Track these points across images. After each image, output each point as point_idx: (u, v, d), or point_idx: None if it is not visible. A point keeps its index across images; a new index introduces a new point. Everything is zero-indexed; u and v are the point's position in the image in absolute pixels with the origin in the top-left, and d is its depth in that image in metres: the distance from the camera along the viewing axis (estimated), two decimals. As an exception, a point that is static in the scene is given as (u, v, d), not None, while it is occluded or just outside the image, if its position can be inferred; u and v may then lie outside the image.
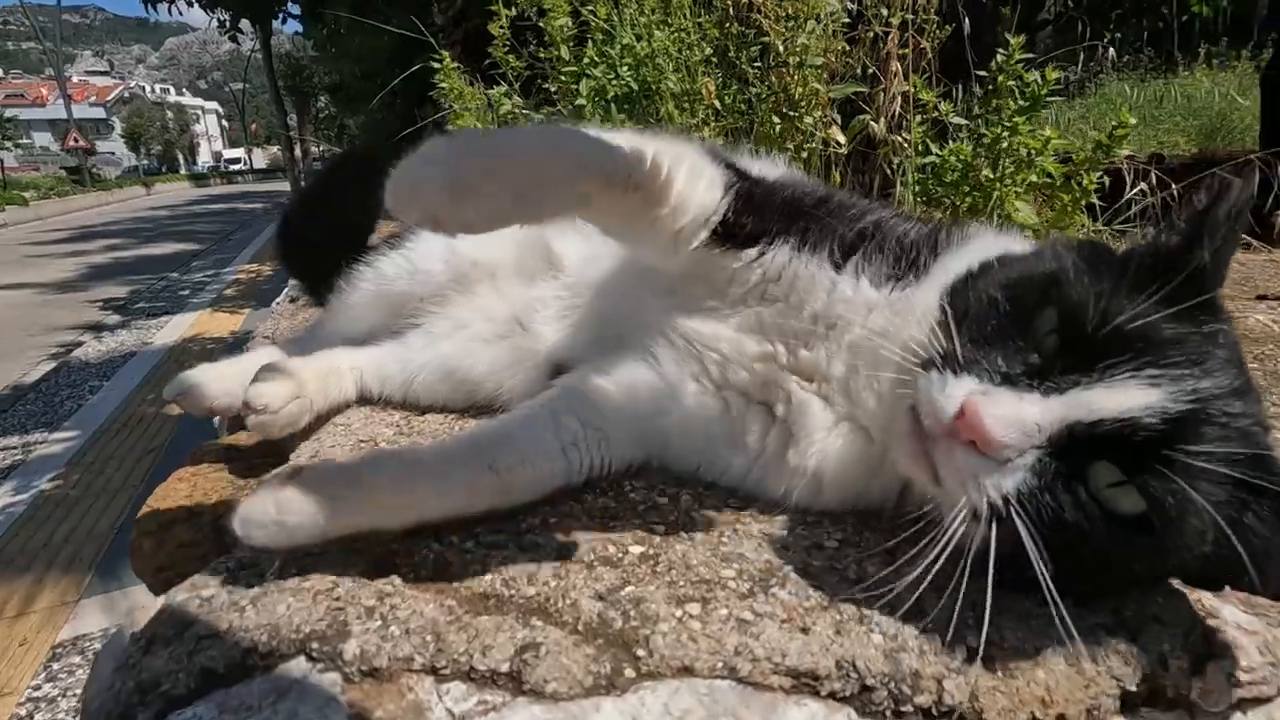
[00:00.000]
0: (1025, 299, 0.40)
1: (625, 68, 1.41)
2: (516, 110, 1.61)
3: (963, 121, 1.19)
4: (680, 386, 0.50)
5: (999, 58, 1.17)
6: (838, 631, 0.36)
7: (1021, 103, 0.97)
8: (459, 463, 0.45)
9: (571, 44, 1.52)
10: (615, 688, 0.33)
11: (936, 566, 0.36)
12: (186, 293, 9.86)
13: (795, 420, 0.46)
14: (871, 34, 1.25)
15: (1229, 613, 0.38)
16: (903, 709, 0.34)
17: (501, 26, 1.59)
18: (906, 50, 1.22)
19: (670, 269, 0.51)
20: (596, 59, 1.44)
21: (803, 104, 1.23)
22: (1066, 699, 0.35)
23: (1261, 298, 1.15)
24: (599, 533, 0.45)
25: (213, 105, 56.31)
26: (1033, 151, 0.98)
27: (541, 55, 1.53)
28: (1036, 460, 0.36)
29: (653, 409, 0.51)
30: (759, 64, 1.35)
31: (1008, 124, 0.97)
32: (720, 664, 0.34)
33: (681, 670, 0.33)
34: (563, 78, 1.51)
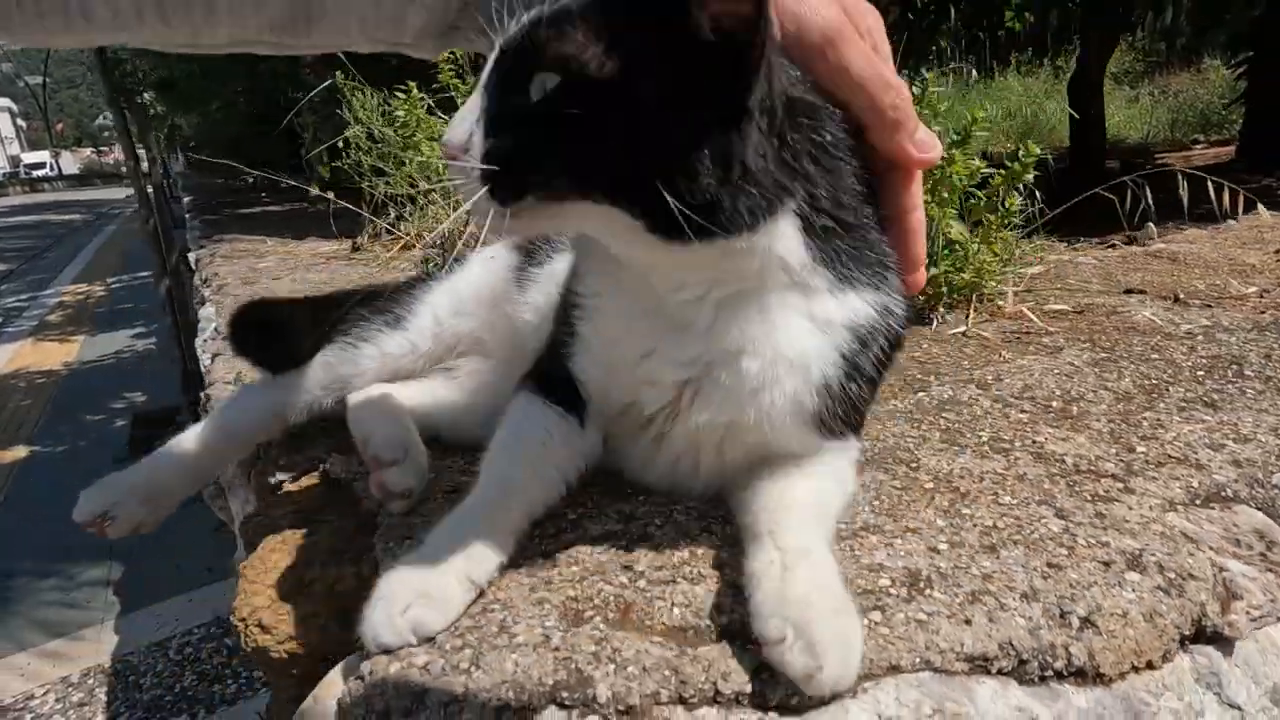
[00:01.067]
0: None
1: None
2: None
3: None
4: None
5: (914, 89, 1.34)
6: (990, 620, 0.44)
7: (954, 136, 1.12)
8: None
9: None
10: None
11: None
12: (-2, 320, 8.59)
13: None
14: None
15: (1235, 566, 0.51)
16: (1046, 673, 0.43)
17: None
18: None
19: None
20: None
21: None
22: (1150, 648, 0.45)
23: (1129, 291, 1.39)
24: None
25: (4, 102, 48.86)
26: (962, 179, 1.13)
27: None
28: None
29: None
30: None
31: (945, 156, 1.12)
32: (918, 659, 0.41)
33: (891, 669, 0.40)
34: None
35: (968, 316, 1.21)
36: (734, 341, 0.50)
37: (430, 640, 0.44)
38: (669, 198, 0.42)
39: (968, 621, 0.43)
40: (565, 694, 0.39)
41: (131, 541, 4.44)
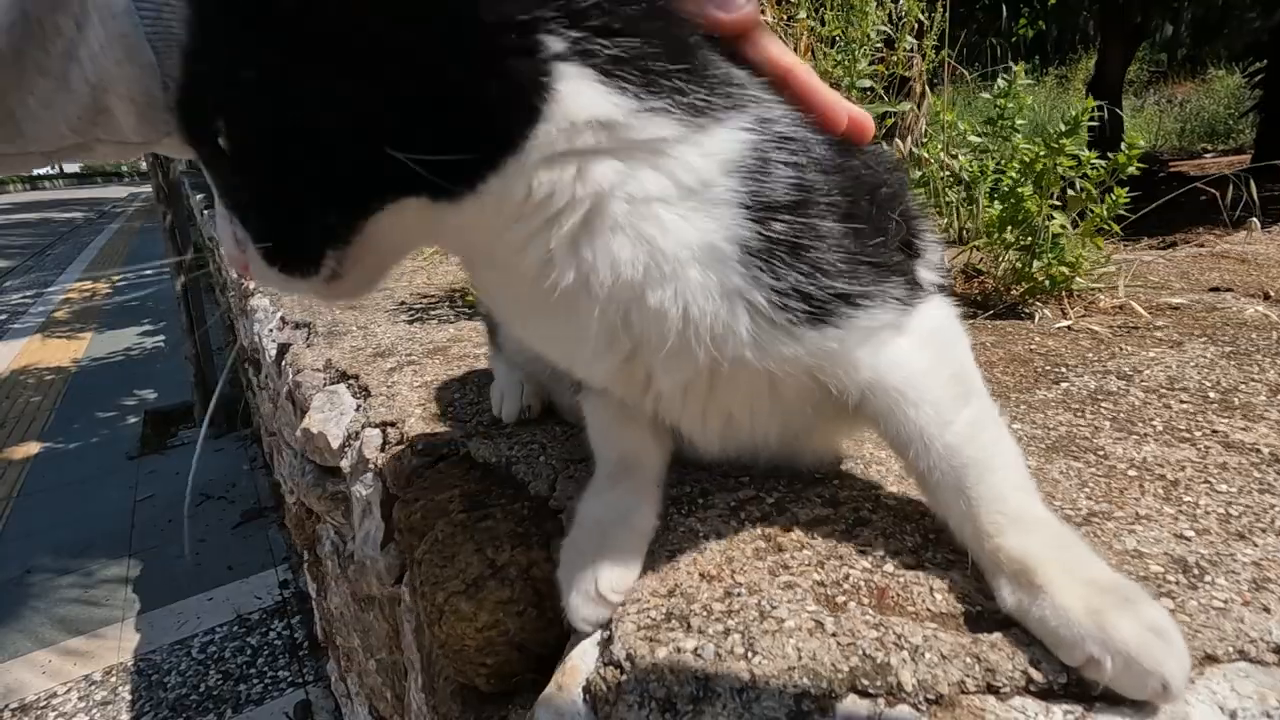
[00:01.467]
0: None
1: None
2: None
3: (978, 140, 1.32)
4: None
5: (1001, 83, 1.32)
6: (1282, 606, 0.42)
7: (1063, 126, 1.10)
8: None
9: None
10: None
11: None
12: (4, 317, 8.60)
13: None
14: (896, 58, 1.36)
15: None
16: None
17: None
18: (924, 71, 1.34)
19: None
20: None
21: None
22: None
23: (1215, 289, 1.37)
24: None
25: (2, 98, 48.65)
26: (1068, 170, 1.11)
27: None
28: None
29: None
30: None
31: (1053, 144, 1.10)
32: (1231, 649, 0.38)
33: (1206, 659, 0.38)
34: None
35: (1065, 312, 1.19)
36: (612, 284, 0.38)
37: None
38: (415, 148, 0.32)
39: (1266, 609, 0.41)
40: (865, 681, 0.37)
41: (150, 539, 4.41)
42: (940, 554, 0.47)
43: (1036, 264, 1.16)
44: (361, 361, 1.06)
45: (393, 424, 0.80)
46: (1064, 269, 1.16)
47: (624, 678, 0.39)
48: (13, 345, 7.23)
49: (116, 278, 10.19)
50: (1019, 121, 1.31)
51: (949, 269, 1.35)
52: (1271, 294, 1.31)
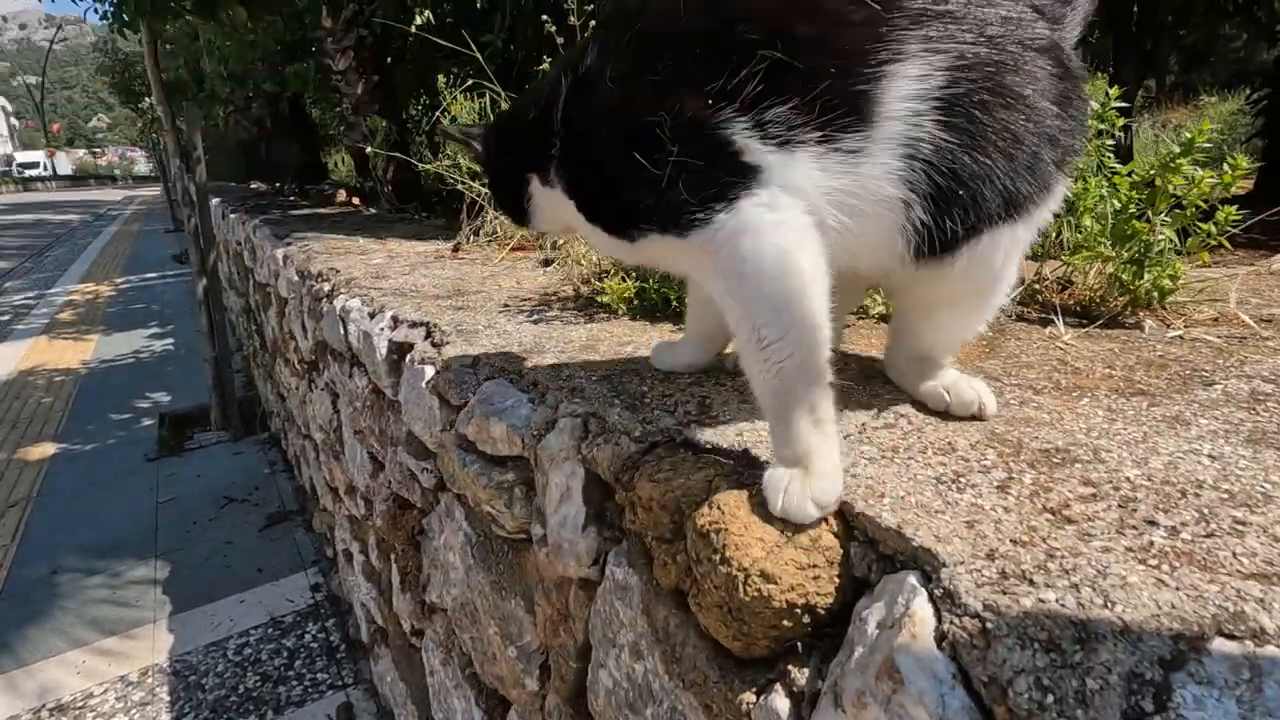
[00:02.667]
0: None
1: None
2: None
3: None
4: None
5: (1095, 104, 1.39)
6: None
7: (1177, 147, 1.17)
8: None
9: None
10: None
11: None
12: (7, 317, 8.51)
13: None
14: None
15: None
16: None
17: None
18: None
19: None
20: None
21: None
22: None
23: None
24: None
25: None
26: (1181, 190, 1.18)
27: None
28: None
29: None
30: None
31: (1170, 164, 1.17)
32: None
33: None
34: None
35: (1166, 324, 1.25)
36: None
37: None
38: None
39: None
40: (1229, 626, 0.41)
41: (176, 541, 4.39)
42: (1236, 513, 0.53)
43: (1146, 277, 1.22)
44: (513, 358, 1.10)
45: (594, 415, 0.85)
46: (1169, 281, 1.23)
47: (992, 625, 0.44)
48: (18, 346, 7.17)
49: (119, 280, 10.11)
50: (1109, 142, 1.38)
51: (1048, 279, 1.42)
52: (1349, 310, 1.38)
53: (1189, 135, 1.17)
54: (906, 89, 0.60)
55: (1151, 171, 1.21)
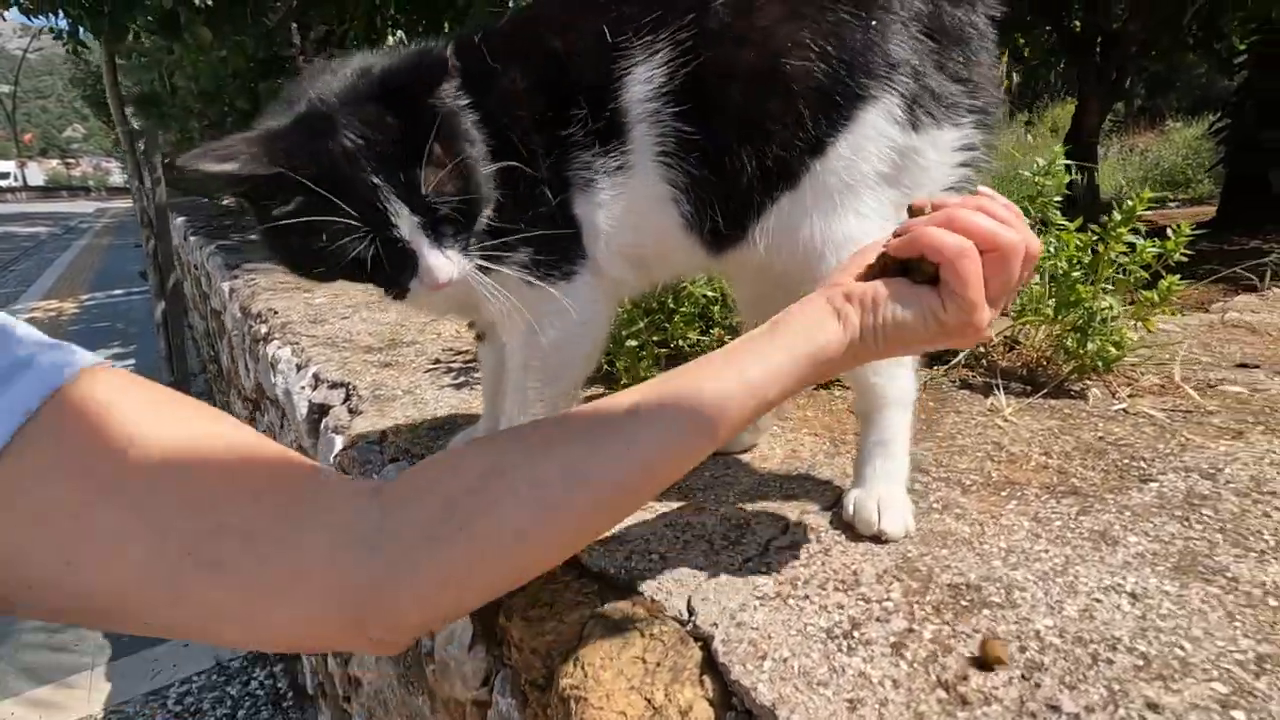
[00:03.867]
0: None
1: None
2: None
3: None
4: None
5: (1040, 162, 1.36)
6: None
7: (1119, 215, 1.13)
8: None
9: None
10: None
11: None
12: (-36, 336, 8.21)
13: None
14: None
15: None
16: None
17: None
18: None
19: None
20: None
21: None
22: None
23: (1243, 365, 1.41)
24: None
25: (-36, 109, 47.45)
26: (1120, 255, 1.14)
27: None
28: None
29: None
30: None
31: (1110, 234, 1.13)
32: None
33: None
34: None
35: (1113, 392, 1.21)
36: None
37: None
38: None
39: None
40: None
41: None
42: (1121, 708, 0.46)
43: (1090, 345, 1.18)
44: (421, 436, 1.03)
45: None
46: (1113, 349, 1.19)
47: None
48: (-28, 366, 6.94)
49: (84, 297, 9.89)
50: (1056, 199, 1.34)
51: (994, 340, 1.37)
52: (1299, 372, 1.35)
53: (1131, 205, 1.13)
54: (641, 90, 0.66)
55: (1094, 239, 1.17)
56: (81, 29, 4.16)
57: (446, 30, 5.21)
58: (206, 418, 0.47)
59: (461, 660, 0.76)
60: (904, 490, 0.73)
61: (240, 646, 0.53)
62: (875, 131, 0.65)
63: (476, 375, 1.32)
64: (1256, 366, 1.42)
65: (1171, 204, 8.46)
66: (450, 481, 0.48)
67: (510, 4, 1.70)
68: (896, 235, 0.54)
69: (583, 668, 0.54)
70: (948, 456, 0.94)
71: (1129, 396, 1.19)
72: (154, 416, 0.44)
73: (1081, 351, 1.19)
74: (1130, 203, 1.13)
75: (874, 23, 0.64)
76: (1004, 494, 0.81)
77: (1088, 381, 1.23)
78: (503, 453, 0.49)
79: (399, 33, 6.10)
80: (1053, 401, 1.18)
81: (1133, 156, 10.91)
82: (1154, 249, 1.14)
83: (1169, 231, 1.25)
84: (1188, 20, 5.01)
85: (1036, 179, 1.34)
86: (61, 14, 3.84)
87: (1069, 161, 1.38)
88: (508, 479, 0.47)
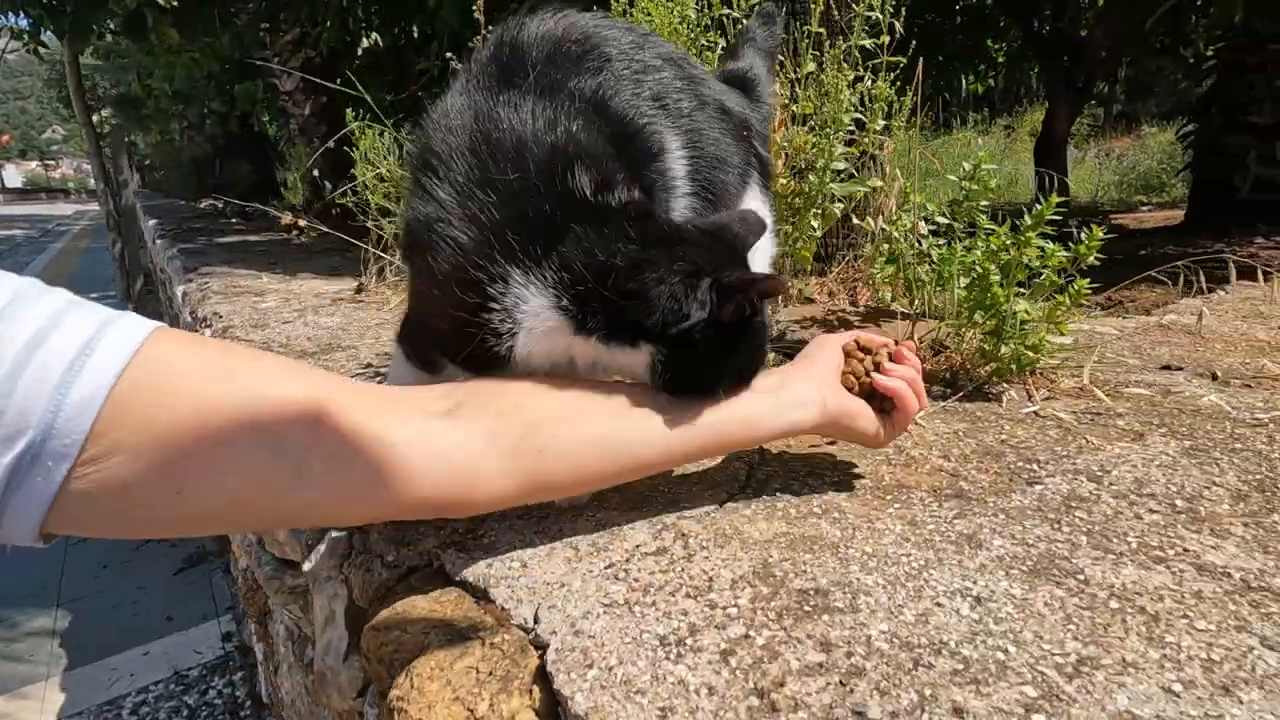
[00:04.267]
0: None
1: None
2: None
3: (946, 221, 1.36)
4: None
5: (966, 167, 1.37)
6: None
7: (1030, 219, 1.14)
8: None
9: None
10: None
11: None
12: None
13: None
14: (868, 139, 1.40)
15: None
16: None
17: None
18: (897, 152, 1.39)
19: None
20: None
21: (814, 199, 1.35)
22: None
23: (1167, 368, 1.42)
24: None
25: (-61, 109, 46.68)
26: (1034, 261, 1.15)
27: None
28: None
29: None
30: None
31: (1020, 238, 1.14)
32: None
33: None
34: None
35: (1030, 394, 1.22)
36: None
37: None
38: None
39: (1259, 788, 0.41)
40: None
41: (82, 587, 4.16)
42: (926, 711, 0.46)
43: (1005, 349, 1.18)
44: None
45: (360, 529, 0.77)
46: (1029, 352, 1.19)
47: None
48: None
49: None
50: (983, 204, 1.35)
51: (920, 342, 1.38)
52: (1219, 374, 1.36)
53: (1040, 209, 1.14)
54: None
55: (1007, 242, 1.17)
56: (44, 29, 4.11)
57: (415, 35, 5.19)
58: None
59: (338, 670, 0.75)
60: None
61: (355, 522, 0.64)
62: None
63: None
64: (1180, 369, 1.44)
65: (1145, 207, 8.58)
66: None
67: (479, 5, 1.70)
68: (858, 341, 0.81)
69: (411, 678, 0.54)
70: (847, 458, 0.94)
71: (1044, 399, 1.20)
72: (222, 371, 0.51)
73: (997, 354, 1.20)
74: (1040, 208, 1.14)
75: None
76: (889, 498, 0.81)
77: (1006, 384, 1.24)
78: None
79: (373, 35, 6.07)
80: (968, 404, 1.18)
81: (1110, 161, 11.06)
82: (1065, 253, 1.15)
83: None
84: (1152, 27, 5.08)
85: (963, 183, 1.35)
86: (22, 13, 3.79)
87: (1045, 170, 1.38)
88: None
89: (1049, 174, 4.92)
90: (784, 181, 1.42)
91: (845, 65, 1.33)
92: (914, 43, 1.52)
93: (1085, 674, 0.50)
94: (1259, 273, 1.98)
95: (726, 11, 1.41)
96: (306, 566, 0.80)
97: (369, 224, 2.56)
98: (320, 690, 0.78)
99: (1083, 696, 0.48)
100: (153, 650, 3.33)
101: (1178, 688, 0.49)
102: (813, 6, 1.38)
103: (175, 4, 4.24)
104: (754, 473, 0.89)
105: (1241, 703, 0.48)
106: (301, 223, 5.10)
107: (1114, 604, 0.59)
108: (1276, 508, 0.78)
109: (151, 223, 6.24)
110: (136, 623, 3.48)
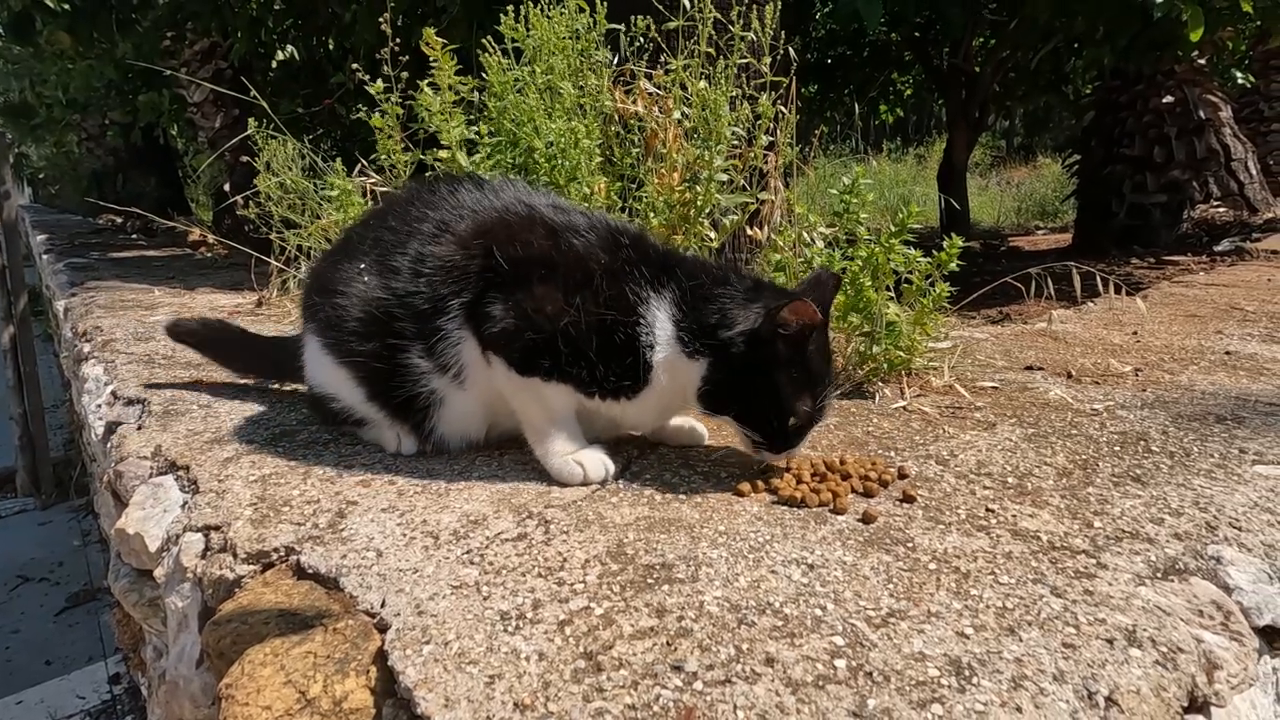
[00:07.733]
0: None
1: (513, 151, 1.46)
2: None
3: (827, 231, 1.44)
4: None
5: (845, 181, 1.46)
6: (1036, 706, 0.46)
7: (894, 228, 1.23)
8: None
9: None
10: None
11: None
12: None
13: None
14: (754, 153, 1.47)
15: (1210, 637, 0.57)
16: None
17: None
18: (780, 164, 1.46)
19: None
20: (483, 135, 1.45)
21: (702, 208, 1.41)
22: (1161, 721, 0.49)
23: (1030, 368, 1.54)
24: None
25: None
26: (899, 266, 1.24)
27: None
28: None
29: None
30: (636, 167, 1.52)
31: (884, 245, 1.22)
32: None
33: (966, 764, 0.41)
34: (440, 154, 1.52)
35: (903, 391, 1.30)
36: None
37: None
38: None
39: (1019, 709, 0.46)
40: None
41: (-48, 630, 3.72)
42: (741, 663, 0.49)
43: (876, 348, 1.26)
44: (196, 449, 0.98)
45: (217, 528, 0.75)
46: (900, 352, 1.28)
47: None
48: None
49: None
50: (863, 215, 1.44)
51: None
52: (1073, 373, 1.49)
53: (902, 219, 1.23)
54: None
55: (875, 248, 1.26)
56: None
57: (331, 46, 5.10)
58: None
59: (190, 678, 0.73)
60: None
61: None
62: None
63: (276, 387, 1.29)
64: (1040, 369, 1.56)
65: (1040, 231, 9.24)
66: None
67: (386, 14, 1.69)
68: None
69: (244, 665, 0.53)
70: (721, 454, 0.98)
71: (915, 396, 1.28)
72: None
73: (870, 355, 1.28)
74: (901, 217, 1.23)
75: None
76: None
77: (882, 384, 1.32)
78: None
79: (289, 48, 5.92)
80: (844, 402, 1.25)
81: (1010, 188, 11.89)
82: (926, 259, 1.24)
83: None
84: (1037, 66, 5.54)
85: (843, 198, 1.43)
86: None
87: (946, 196, 1.48)
88: None
89: (949, 199, 5.25)
90: (678, 192, 1.47)
91: (724, 83, 1.40)
92: (798, 69, 1.61)
93: (891, 624, 0.55)
94: (1122, 288, 2.18)
95: (617, 26, 1.47)
96: (159, 570, 0.77)
97: (272, 236, 2.48)
98: (172, 701, 0.75)
99: (884, 642, 0.52)
100: (27, 698, 3.05)
101: (970, 631, 0.54)
102: (700, 29, 1.45)
103: (66, 7, 4.03)
104: (630, 465, 0.92)
105: (1022, 640, 0.53)
106: (211, 239, 4.89)
107: (932, 565, 0.64)
108: (1093, 481, 0.86)
109: (41, 238, 5.84)
110: (10, 669, 3.19)
